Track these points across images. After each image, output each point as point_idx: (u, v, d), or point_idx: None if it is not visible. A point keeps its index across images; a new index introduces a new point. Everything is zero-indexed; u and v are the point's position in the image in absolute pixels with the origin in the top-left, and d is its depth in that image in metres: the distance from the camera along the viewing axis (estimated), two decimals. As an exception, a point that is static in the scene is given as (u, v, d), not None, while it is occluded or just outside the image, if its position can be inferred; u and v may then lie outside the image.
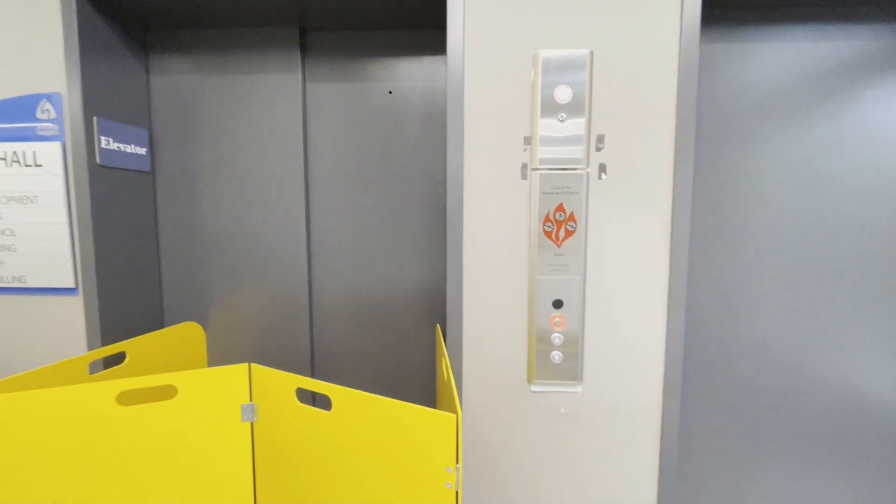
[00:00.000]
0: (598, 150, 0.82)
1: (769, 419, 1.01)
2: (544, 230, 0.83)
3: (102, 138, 0.92)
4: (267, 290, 1.11)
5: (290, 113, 1.07)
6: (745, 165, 0.96)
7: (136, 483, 0.70)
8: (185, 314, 1.13)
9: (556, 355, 0.85)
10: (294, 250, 1.10)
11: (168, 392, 0.71)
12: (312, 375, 1.13)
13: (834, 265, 0.96)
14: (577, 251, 0.83)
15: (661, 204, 0.82)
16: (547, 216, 0.83)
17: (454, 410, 0.59)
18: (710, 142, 0.96)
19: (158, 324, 1.12)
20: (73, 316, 0.93)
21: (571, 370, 0.85)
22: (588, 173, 0.82)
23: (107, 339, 0.94)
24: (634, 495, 0.87)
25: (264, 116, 1.07)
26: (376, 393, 0.65)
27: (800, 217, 0.96)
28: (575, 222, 0.82)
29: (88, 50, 0.90)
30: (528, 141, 0.83)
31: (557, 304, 0.84)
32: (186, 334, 0.95)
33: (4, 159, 0.91)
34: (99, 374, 0.82)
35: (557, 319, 0.84)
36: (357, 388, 0.66)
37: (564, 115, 0.81)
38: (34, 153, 0.90)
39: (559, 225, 0.83)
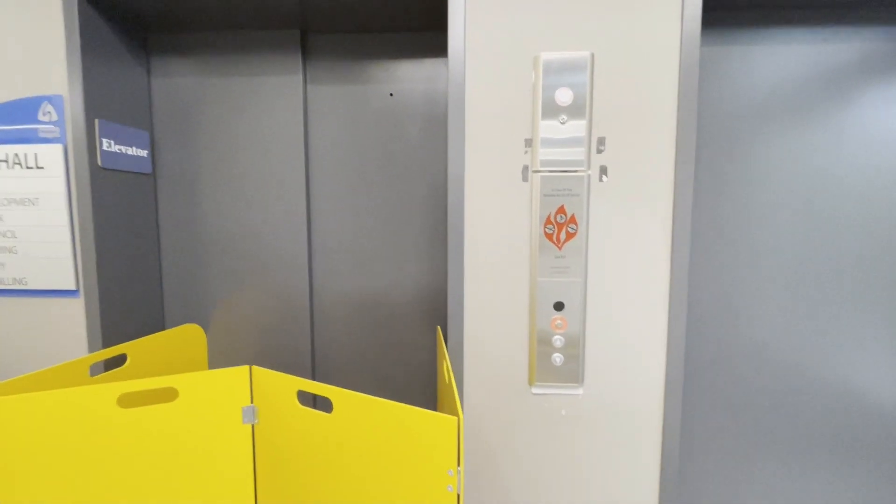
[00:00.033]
0: (599, 152, 0.82)
1: (769, 419, 1.01)
2: (545, 232, 0.83)
3: (104, 140, 0.92)
4: (268, 292, 1.11)
5: (292, 115, 1.07)
6: (746, 166, 0.96)
7: (138, 485, 0.70)
8: (186, 315, 1.13)
9: (558, 357, 0.85)
10: (295, 252, 1.10)
11: (169, 394, 0.71)
12: (313, 376, 1.13)
13: (834, 265, 0.97)
14: (579, 253, 0.83)
15: (662, 206, 0.82)
16: (548, 218, 0.83)
17: (455, 413, 0.59)
18: (711, 143, 0.96)
19: (159, 325, 1.12)
20: (74, 318, 0.93)
21: (572, 372, 0.85)
22: (589, 175, 0.82)
23: (108, 341, 0.94)
24: (635, 496, 0.87)
25: (265, 119, 1.07)
26: (376, 394, 0.65)
27: (800, 217, 0.96)
28: (576, 224, 0.83)
29: (90, 52, 0.90)
30: (529, 143, 0.83)
31: (558, 306, 0.84)
32: (187, 336, 0.95)
33: (6, 161, 0.91)
34: (100, 376, 0.82)
35: (558, 322, 0.84)
36: (357, 389, 0.66)
37: (565, 117, 0.81)
38: (36, 155, 0.90)
39: (560, 227, 0.83)
